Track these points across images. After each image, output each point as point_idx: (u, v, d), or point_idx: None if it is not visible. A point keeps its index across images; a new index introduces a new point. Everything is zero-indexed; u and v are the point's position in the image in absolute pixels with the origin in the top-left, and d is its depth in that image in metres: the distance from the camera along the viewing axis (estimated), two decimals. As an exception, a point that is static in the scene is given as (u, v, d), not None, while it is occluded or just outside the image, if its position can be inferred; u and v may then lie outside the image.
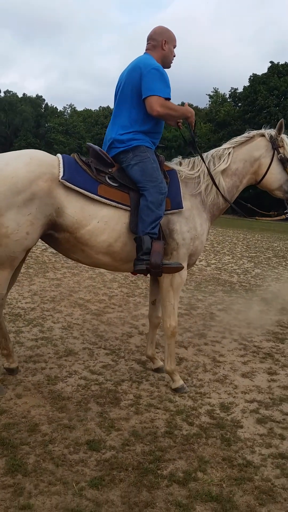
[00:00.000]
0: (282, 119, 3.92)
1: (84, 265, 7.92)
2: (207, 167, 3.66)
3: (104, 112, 61.48)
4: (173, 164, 3.75)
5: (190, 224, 3.55)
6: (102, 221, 3.26)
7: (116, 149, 3.43)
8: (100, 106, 64.16)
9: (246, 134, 3.87)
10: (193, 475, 2.55)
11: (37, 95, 64.17)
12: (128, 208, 3.34)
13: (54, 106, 63.61)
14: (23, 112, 58.06)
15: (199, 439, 2.93)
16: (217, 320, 5.80)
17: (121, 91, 3.52)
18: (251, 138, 3.82)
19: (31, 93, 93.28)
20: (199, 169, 3.71)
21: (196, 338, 5.01)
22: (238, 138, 3.86)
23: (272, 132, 3.81)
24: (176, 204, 3.49)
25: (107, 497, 2.33)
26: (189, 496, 2.37)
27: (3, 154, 3.26)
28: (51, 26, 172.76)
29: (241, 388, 3.75)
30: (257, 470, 2.65)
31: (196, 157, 3.78)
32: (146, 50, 3.57)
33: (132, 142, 3.37)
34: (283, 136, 3.83)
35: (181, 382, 3.65)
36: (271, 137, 3.77)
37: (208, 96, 46.00)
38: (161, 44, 3.47)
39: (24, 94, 63.47)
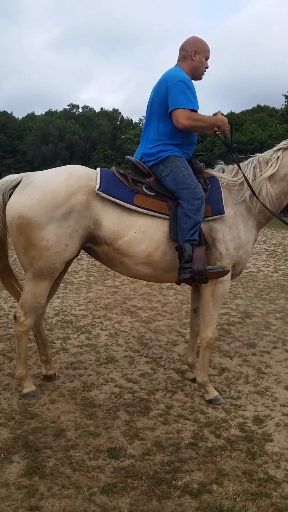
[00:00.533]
0: None
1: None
2: (244, 176, 3.54)
3: (178, 120, 61.70)
4: (214, 171, 3.69)
5: (234, 233, 3.45)
6: (140, 231, 3.29)
7: (147, 163, 3.46)
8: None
9: None
10: (208, 488, 2.49)
11: (113, 109, 66.28)
12: (167, 217, 3.34)
13: (129, 118, 65.33)
14: (100, 126, 60.16)
15: (223, 451, 2.86)
16: (272, 329, 5.59)
17: (150, 106, 3.55)
18: None
19: (109, 107, 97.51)
20: (241, 177, 3.62)
21: (244, 348, 4.86)
22: None
23: None
24: (217, 210, 3.41)
25: (116, 503, 2.35)
26: (199, 508, 2.33)
27: (45, 171, 3.43)
28: (128, 40, 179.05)
29: (281, 401, 3.59)
30: (278, 486, 2.53)
31: (241, 163, 3.70)
32: (177, 61, 3.56)
33: (162, 154, 3.38)
34: None
35: (215, 393, 3.57)
36: None
37: (284, 96, 44.32)
38: (191, 54, 3.44)
39: (101, 108, 65.87)
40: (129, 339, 4.98)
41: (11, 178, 3.37)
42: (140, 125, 64.12)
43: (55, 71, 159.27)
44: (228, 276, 3.49)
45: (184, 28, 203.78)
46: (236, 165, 3.67)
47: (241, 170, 3.56)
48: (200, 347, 3.63)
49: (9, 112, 63.04)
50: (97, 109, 66.32)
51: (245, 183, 3.54)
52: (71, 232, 3.19)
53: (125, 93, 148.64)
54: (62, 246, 3.19)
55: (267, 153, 3.68)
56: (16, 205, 3.19)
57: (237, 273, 3.64)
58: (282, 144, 3.67)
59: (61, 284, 7.66)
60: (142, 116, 72.30)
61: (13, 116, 63.37)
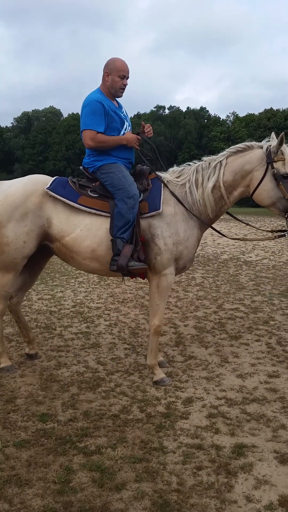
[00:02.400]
0: (283, 132, 3.75)
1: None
2: (162, 181, 3.86)
3: (267, 114, 60.05)
4: (162, 173, 4.02)
5: (172, 229, 3.78)
6: (85, 228, 3.76)
7: (90, 170, 3.92)
8: (265, 109, 62.81)
9: (245, 143, 3.87)
10: (102, 450, 2.88)
11: (200, 107, 66.34)
12: (109, 215, 3.78)
13: (217, 115, 64.87)
14: (186, 125, 60.63)
15: (137, 423, 3.22)
16: (269, 324, 5.69)
17: None
18: (249, 148, 3.81)
19: (205, 104, 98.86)
20: (184, 178, 3.94)
21: (227, 339, 5.07)
22: (236, 147, 3.87)
23: (272, 144, 3.73)
24: (153, 207, 3.76)
25: (19, 454, 2.84)
26: (82, 464, 2.74)
27: (13, 179, 4.06)
28: (222, 39, 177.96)
29: (223, 387, 3.83)
30: (162, 454, 2.84)
31: (186, 167, 4.01)
32: None
33: (96, 163, 3.83)
34: (283, 148, 3.68)
35: (162, 375, 3.90)
36: (268, 150, 3.71)
37: None
38: (104, 76, 3.81)
39: (188, 107, 66.27)
40: (123, 329, 5.43)
41: None
42: (227, 121, 63.51)
43: (150, 75, 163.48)
44: (171, 269, 3.81)
45: (279, 24, 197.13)
46: (183, 168, 4.00)
47: (160, 179, 3.89)
48: (150, 334, 3.98)
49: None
50: (192, 107, 66.76)
51: (186, 185, 3.85)
52: (28, 231, 3.74)
53: (219, 90, 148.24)
54: (21, 243, 3.75)
55: (212, 158, 3.91)
56: None
57: (181, 268, 3.93)
58: (229, 150, 3.88)
59: (95, 280, 8.30)
60: (229, 113, 71.11)
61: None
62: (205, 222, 3.90)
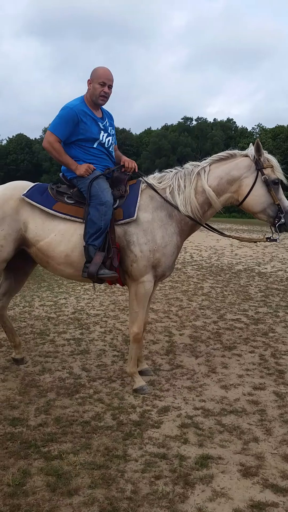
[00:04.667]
0: (258, 139, 3.83)
1: (191, 279, 8.47)
2: (153, 188, 3.83)
3: (296, 126, 59.28)
4: (145, 177, 3.98)
5: (148, 237, 3.72)
6: (59, 234, 3.77)
7: (68, 177, 3.93)
8: (294, 121, 62.02)
9: (227, 151, 3.87)
10: (64, 455, 2.84)
11: (227, 119, 66.29)
12: (83, 221, 3.75)
13: (244, 127, 64.66)
14: (213, 136, 60.59)
15: (106, 431, 3.17)
16: (268, 336, 5.54)
17: None
18: (232, 156, 3.81)
19: (237, 118, 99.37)
20: (165, 183, 3.90)
21: (220, 350, 4.97)
22: (218, 155, 3.88)
23: (249, 151, 3.77)
24: (127, 214, 3.73)
25: (-20, 457, 2.84)
26: (40, 468, 2.70)
27: None
28: (256, 54, 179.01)
29: (203, 397, 3.73)
30: (124, 462, 2.78)
31: (168, 173, 3.97)
32: None
33: (72, 173, 3.82)
34: (268, 156, 3.75)
35: (142, 383, 3.84)
36: (255, 157, 3.71)
37: None
38: (88, 84, 3.80)
39: (214, 119, 66.37)
40: (117, 336, 5.39)
41: None
42: (254, 133, 63.15)
43: (182, 89, 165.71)
44: (148, 277, 3.76)
45: None
46: (164, 174, 3.96)
47: (152, 186, 3.85)
48: (130, 341, 3.93)
49: (127, 129, 66.74)
50: (219, 119, 66.84)
51: (167, 191, 3.81)
52: (5, 235, 3.78)
53: (252, 104, 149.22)
54: None
55: (196, 164, 3.89)
56: None
57: (160, 275, 3.86)
58: (212, 158, 3.87)
59: (101, 287, 8.30)
60: (255, 125, 70.73)
61: (131, 133, 66.99)
62: (196, 221, 3.84)
